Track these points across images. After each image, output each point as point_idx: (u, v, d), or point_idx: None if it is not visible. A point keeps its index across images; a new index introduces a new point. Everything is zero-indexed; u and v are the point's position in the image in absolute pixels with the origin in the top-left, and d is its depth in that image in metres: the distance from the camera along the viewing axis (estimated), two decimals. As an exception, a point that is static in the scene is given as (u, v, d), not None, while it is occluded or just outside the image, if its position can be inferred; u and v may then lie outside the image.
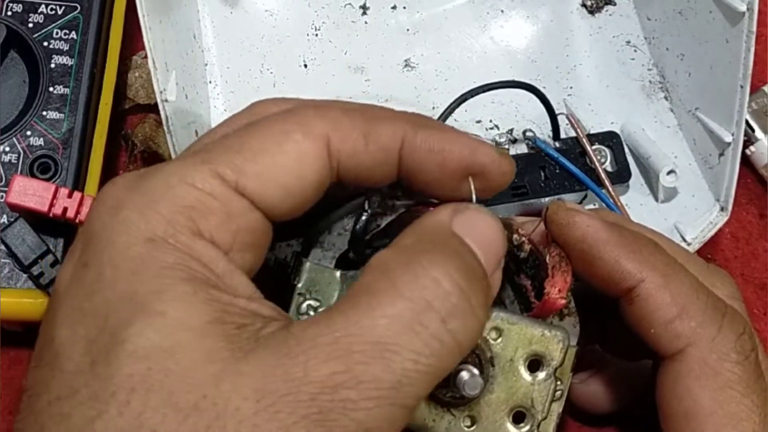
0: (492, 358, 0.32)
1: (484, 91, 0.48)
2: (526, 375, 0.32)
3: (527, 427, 0.32)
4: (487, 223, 0.29)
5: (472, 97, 0.48)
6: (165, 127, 0.44)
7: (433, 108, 0.57)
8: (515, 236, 0.34)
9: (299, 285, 0.32)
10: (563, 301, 0.32)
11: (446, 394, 0.31)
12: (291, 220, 0.30)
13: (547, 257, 0.33)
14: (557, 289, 0.32)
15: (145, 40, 0.44)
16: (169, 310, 0.25)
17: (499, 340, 0.32)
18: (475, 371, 0.30)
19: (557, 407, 0.33)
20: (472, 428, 0.32)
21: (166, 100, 0.44)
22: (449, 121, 0.49)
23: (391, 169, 0.30)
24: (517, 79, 0.57)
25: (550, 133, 0.54)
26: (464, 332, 0.25)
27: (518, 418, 0.32)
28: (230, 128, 0.30)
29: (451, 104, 0.48)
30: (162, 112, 0.44)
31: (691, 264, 0.33)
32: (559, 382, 0.33)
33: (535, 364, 0.32)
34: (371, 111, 0.31)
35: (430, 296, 0.25)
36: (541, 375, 0.32)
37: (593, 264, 0.32)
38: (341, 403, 0.23)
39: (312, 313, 0.32)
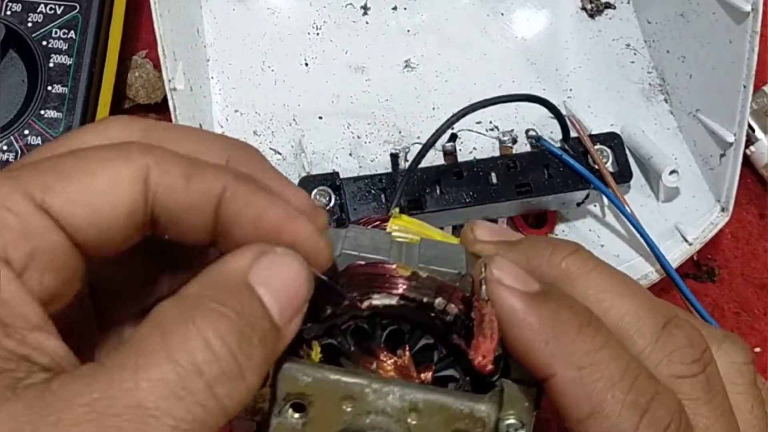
0: None
1: (493, 104, 0.48)
2: None
3: None
4: (289, 269, 0.27)
5: (482, 108, 0.48)
6: (172, 117, 0.43)
7: (433, 108, 0.57)
8: (438, 300, 0.32)
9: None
10: (490, 367, 0.29)
11: None
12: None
13: (473, 313, 0.30)
14: (480, 355, 0.29)
15: (155, 26, 0.43)
16: None
17: (417, 421, 0.29)
18: None
19: None
20: None
21: (175, 89, 0.44)
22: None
23: (207, 219, 0.28)
24: (517, 81, 0.58)
25: (551, 134, 0.55)
26: (231, 397, 0.24)
27: None
28: (49, 153, 0.30)
29: (459, 112, 0.47)
30: (170, 102, 0.44)
31: (644, 330, 0.30)
32: (519, 424, 0.31)
33: None
34: (198, 154, 0.30)
35: (198, 359, 0.24)
36: None
37: (509, 344, 0.29)
38: None
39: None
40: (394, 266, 0.32)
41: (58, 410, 0.23)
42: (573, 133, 0.54)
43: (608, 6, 0.59)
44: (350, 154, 0.55)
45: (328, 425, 0.29)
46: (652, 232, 0.50)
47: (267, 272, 0.27)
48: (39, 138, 0.49)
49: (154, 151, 0.28)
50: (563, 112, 0.56)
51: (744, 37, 0.47)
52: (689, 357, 0.30)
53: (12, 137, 0.49)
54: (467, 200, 0.50)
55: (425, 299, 0.31)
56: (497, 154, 0.53)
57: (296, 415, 0.29)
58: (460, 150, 0.54)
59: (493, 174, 0.50)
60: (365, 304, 0.31)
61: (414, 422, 0.29)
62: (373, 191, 0.49)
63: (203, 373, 0.24)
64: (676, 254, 0.51)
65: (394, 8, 0.59)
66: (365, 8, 0.59)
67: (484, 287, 0.29)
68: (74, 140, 0.30)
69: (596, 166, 0.51)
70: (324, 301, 0.31)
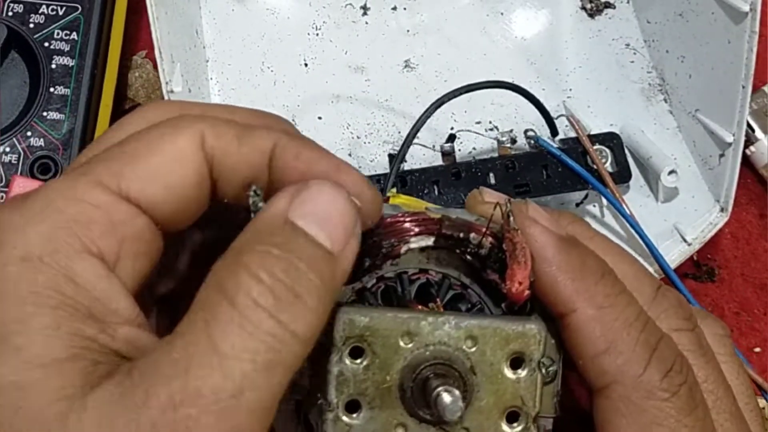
0: (472, 367, 0.31)
1: (462, 93, 0.48)
2: (510, 374, 0.31)
3: (522, 425, 0.32)
4: (327, 196, 0.28)
5: (449, 99, 0.48)
6: (170, 119, 0.43)
7: (433, 109, 0.57)
8: (472, 235, 0.33)
9: None
10: (527, 292, 0.31)
11: (432, 414, 0.31)
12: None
13: (504, 245, 0.32)
14: (517, 282, 0.31)
15: (152, 29, 0.43)
16: (26, 345, 0.24)
17: (475, 347, 0.31)
18: (456, 393, 0.29)
19: (552, 387, 0.33)
20: None
21: (172, 91, 0.44)
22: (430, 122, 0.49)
23: (261, 175, 0.29)
24: (516, 80, 0.58)
25: (550, 134, 0.55)
26: (296, 320, 0.25)
27: (512, 417, 0.32)
28: (109, 141, 0.30)
29: (430, 107, 0.48)
30: (168, 104, 0.44)
31: (643, 289, 0.33)
32: (550, 361, 0.32)
33: (517, 361, 0.31)
34: (247, 116, 0.31)
35: (253, 294, 0.25)
36: (525, 371, 0.31)
37: (536, 279, 0.31)
38: (183, 422, 0.23)
39: None
40: (424, 212, 0.33)
41: (145, 377, 0.24)
42: (571, 133, 0.54)
43: (608, 6, 0.59)
44: (349, 155, 0.55)
45: (390, 364, 0.30)
46: (651, 232, 0.50)
47: (306, 205, 0.27)
48: (41, 140, 0.50)
49: (204, 119, 0.29)
50: (563, 112, 0.56)
51: (743, 38, 0.47)
52: (682, 314, 0.33)
53: (14, 139, 0.50)
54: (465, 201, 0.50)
55: (461, 234, 0.32)
56: (496, 154, 0.53)
57: (357, 360, 0.30)
58: (459, 150, 0.54)
59: (491, 174, 0.50)
60: (403, 248, 0.32)
61: (472, 349, 0.31)
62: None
63: (261, 305, 0.25)
64: (675, 254, 0.51)
65: (394, 8, 0.59)
66: (365, 8, 0.59)
67: (512, 219, 0.31)
68: (122, 130, 0.31)
69: (595, 167, 0.51)
70: (361, 254, 0.32)
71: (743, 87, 0.48)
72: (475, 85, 0.49)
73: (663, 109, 0.56)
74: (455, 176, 0.50)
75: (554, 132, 0.52)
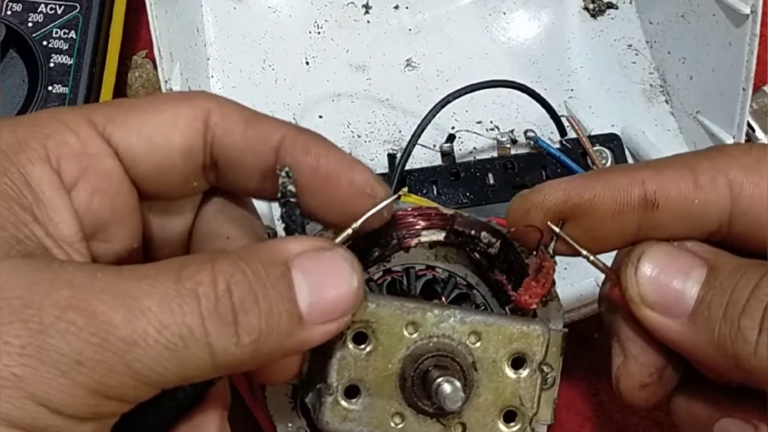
0: (474, 363, 0.31)
1: (467, 92, 0.49)
2: (510, 374, 0.32)
3: (519, 425, 0.32)
4: (341, 274, 0.27)
5: (455, 98, 0.48)
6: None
7: (434, 108, 0.57)
8: (484, 234, 0.34)
9: None
10: (534, 306, 0.32)
11: (431, 406, 0.31)
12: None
13: (534, 259, 0.33)
14: (528, 295, 0.32)
15: (151, 28, 0.44)
16: None
17: (478, 343, 0.31)
18: (457, 384, 0.30)
19: (551, 394, 0.33)
20: None
21: (171, 90, 0.44)
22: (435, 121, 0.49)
23: (265, 166, 0.30)
24: (518, 80, 0.58)
25: (551, 135, 0.55)
26: (218, 342, 0.25)
27: (509, 417, 0.32)
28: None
29: (435, 106, 0.48)
30: (166, 103, 0.44)
31: None
32: (549, 368, 0.33)
33: (518, 361, 0.32)
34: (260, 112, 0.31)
35: (200, 290, 0.25)
36: (526, 372, 0.32)
37: (596, 204, 0.30)
38: (59, 326, 0.23)
39: None
40: (437, 208, 0.34)
41: (58, 275, 0.25)
42: (572, 134, 0.54)
43: (610, 6, 0.59)
44: (350, 153, 0.55)
45: (392, 352, 0.31)
46: (650, 233, 0.50)
47: (314, 263, 0.27)
48: (41, 136, 0.50)
49: (218, 98, 0.30)
50: (564, 113, 0.56)
51: (743, 40, 0.47)
52: None
53: (14, 136, 0.50)
54: (464, 201, 0.50)
55: (472, 231, 0.33)
56: (495, 154, 0.53)
57: (360, 346, 0.31)
58: (459, 150, 0.54)
59: (490, 175, 0.50)
60: (414, 241, 0.33)
61: (475, 345, 0.31)
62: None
63: (200, 302, 0.25)
64: (674, 256, 0.51)
65: (396, 7, 0.59)
66: (367, 7, 0.59)
67: (553, 243, 0.31)
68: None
69: (594, 168, 0.51)
70: (371, 244, 0.32)
71: (744, 89, 0.48)
72: (480, 84, 0.49)
73: (664, 110, 0.56)
74: (454, 176, 0.50)
75: (562, 132, 0.52)
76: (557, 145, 0.52)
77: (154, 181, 0.30)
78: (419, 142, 0.54)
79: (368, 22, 0.58)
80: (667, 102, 0.56)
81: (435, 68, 0.58)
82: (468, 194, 0.50)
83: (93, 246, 0.29)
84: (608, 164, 0.52)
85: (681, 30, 0.54)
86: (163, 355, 0.24)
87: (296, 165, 0.29)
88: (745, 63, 0.47)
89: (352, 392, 0.31)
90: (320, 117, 0.56)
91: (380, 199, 0.30)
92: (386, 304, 0.31)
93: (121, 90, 0.55)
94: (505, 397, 0.32)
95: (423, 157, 0.54)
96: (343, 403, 0.31)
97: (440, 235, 0.34)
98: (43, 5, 0.52)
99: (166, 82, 0.44)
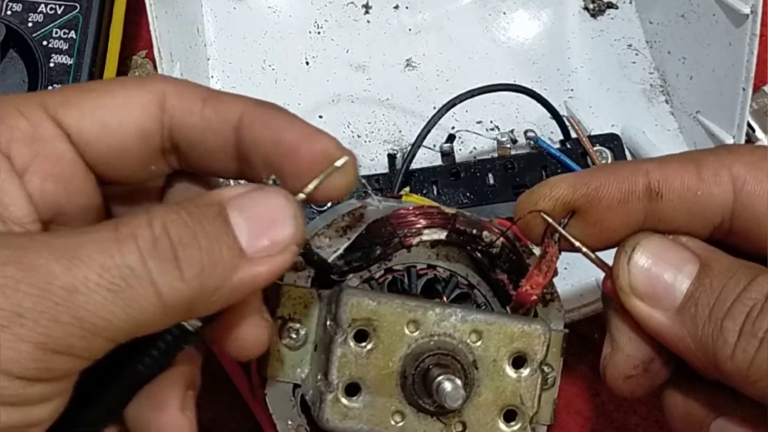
0: (474, 361, 0.31)
1: (476, 95, 0.49)
2: (511, 373, 0.32)
3: (519, 425, 0.32)
4: (275, 203, 0.27)
5: (462, 100, 0.49)
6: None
7: (434, 108, 0.56)
8: (485, 233, 0.34)
9: (278, 309, 0.32)
10: (534, 298, 0.32)
11: (432, 404, 0.31)
12: None
13: (538, 250, 0.33)
14: (530, 284, 0.32)
15: (151, 28, 0.44)
16: None
17: (479, 342, 0.31)
18: (458, 382, 0.30)
19: (551, 394, 0.33)
20: None
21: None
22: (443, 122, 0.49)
23: (227, 145, 0.29)
24: (518, 80, 0.58)
25: (551, 135, 0.55)
26: (162, 278, 0.25)
27: (509, 416, 0.32)
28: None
29: (445, 104, 0.48)
30: (166, 103, 0.44)
31: None
32: (550, 369, 0.33)
33: (519, 360, 0.32)
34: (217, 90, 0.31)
35: (137, 232, 0.25)
36: (526, 371, 0.32)
37: (610, 188, 0.31)
38: (2, 279, 0.23)
39: (294, 336, 0.32)
40: (438, 207, 0.34)
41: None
42: (572, 134, 0.54)
43: (610, 6, 0.59)
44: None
45: (393, 350, 0.31)
46: (650, 233, 0.50)
47: (245, 200, 0.27)
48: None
49: (174, 80, 0.30)
50: (564, 113, 0.56)
51: (743, 40, 0.47)
52: None
53: (14, 136, 0.50)
54: (464, 201, 0.50)
55: (474, 231, 0.33)
56: (496, 154, 0.53)
57: (361, 344, 0.31)
58: (460, 150, 0.54)
59: (490, 175, 0.50)
60: (416, 240, 0.33)
61: (476, 343, 0.31)
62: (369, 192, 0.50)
63: (138, 243, 0.25)
64: (674, 256, 0.51)
65: (396, 7, 0.59)
66: (367, 7, 0.59)
67: (557, 235, 0.31)
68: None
69: (593, 165, 0.51)
70: (372, 242, 0.32)
71: (743, 89, 0.48)
72: (489, 87, 0.49)
73: (664, 110, 0.56)
74: (454, 176, 0.50)
75: (567, 136, 0.52)
76: (557, 145, 0.52)
77: (111, 165, 0.30)
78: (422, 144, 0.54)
79: (368, 22, 0.58)
80: (667, 102, 0.56)
81: (435, 68, 0.58)
82: (468, 194, 0.50)
83: (52, 230, 0.29)
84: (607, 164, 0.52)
85: (681, 30, 0.54)
86: (106, 298, 0.24)
87: (258, 140, 0.29)
88: (745, 63, 0.47)
89: (352, 390, 0.31)
90: (320, 117, 0.56)
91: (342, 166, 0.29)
92: (387, 302, 0.31)
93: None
94: (506, 397, 0.32)
95: (423, 158, 0.54)
96: (344, 400, 0.31)
97: (442, 234, 0.34)
98: (43, 5, 0.52)
99: (166, 82, 0.44)
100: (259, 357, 0.31)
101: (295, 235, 0.27)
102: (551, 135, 0.55)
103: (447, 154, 0.53)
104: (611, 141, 0.53)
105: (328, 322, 0.31)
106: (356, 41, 0.58)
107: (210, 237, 0.26)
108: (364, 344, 0.31)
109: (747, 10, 0.46)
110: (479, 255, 0.34)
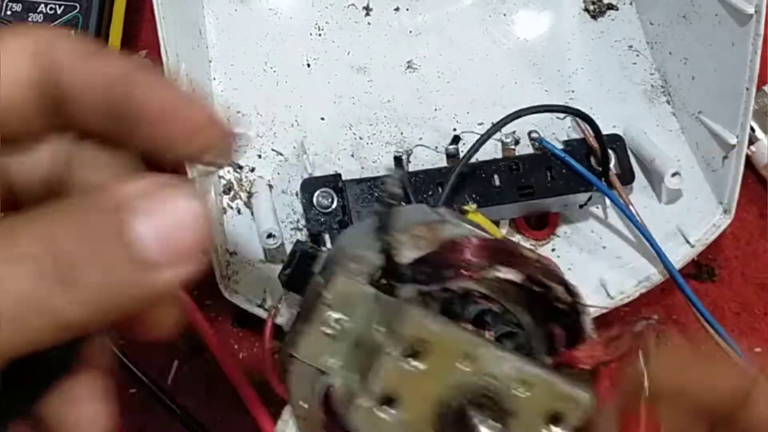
0: (515, 411, 0.30)
1: (540, 112, 0.50)
2: (545, 430, 0.31)
3: None
4: (182, 205, 0.25)
5: (525, 115, 0.49)
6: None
7: (435, 110, 0.57)
8: (561, 290, 0.33)
9: (328, 295, 0.32)
10: (584, 367, 0.32)
11: None
12: None
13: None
14: (589, 355, 0.32)
15: (158, 27, 0.43)
16: None
17: (526, 393, 0.31)
18: (497, 427, 0.29)
19: None
20: None
21: (179, 93, 0.43)
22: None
23: (108, 103, 0.27)
24: (518, 81, 0.58)
25: (553, 135, 0.55)
26: (53, 305, 0.23)
27: None
28: None
29: (504, 119, 0.49)
30: (174, 104, 0.43)
31: None
32: None
33: (555, 419, 0.31)
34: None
35: (30, 250, 0.23)
36: (560, 431, 0.31)
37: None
38: None
39: (338, 327, 0.32)
40: (517, 246, 0.33)
41: None
42: (573, 135, 0.54)
43: (611, 7, 0.59)
44: (352, 156, 0.55)
45: (440, 378, 0.30)
46: (654, 234, 0.50)
47: (149, 203, 0.25)
48: (40, 139, 0.49)
49: (53, 30, 0.28)
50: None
51: (747, 40, 0.47)
52: None
53: (13, 139, 0.49)
54: (470, 202, 0.50)
55: (552, 284, 0.32)
56: (500, 156, 0.53)
57: (410, 361, 0.30)
58: (462, 152, 0.54)
59: (495, 176, 0.50)
60: (490, 273, 0.32)
61: (521, 394, 0.30)
62: (376, 193, 0.49)
63: (31, 267, 0.23)
64: (678, 256, 0.51)
65: (397, 9, 0.59)
66: (367, 9, 0.58)
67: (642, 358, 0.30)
68: None
69: (599, 168, 0.51)
70: (444, 262, 0.32)
71: (747, 89, 0.48)
72: (548, 106, 0.51)
73: (666, 110, 0.56)
74: (459, 178, 0.50)
75: (605, 169, 0.51)
76: (561, 146, 0.52)
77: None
78: (423, 144, 0.54)
79: (369, 24, 0.58)
80: (668, 103, 0.57)
81: (436, 70, 0.58)
82: (474, 195, 0.50)
83: None
84: (611, 165, 0.52)
85: (683, 31, 0.54)
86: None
87: (137, 102, 0.27)
88: (749, 63, 0.48)
89: (388, 402, 0.31)
90: (322, 119, 0.56)
91: (220, 135, 0.28)
92: (449, 329, 0.30)
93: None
94: None
95: (427, 159, 0.54)
96: (377, 411, 0.30)
97: (518, 277, 0.32)
98: (42, 5, 0.51)
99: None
100: (288, 337, 0.31)
101: (202, 243, 0.25)
102: (553, 136, 0.55)
103: (452, 156, 0.53)
104: (614, 142, 0.53)
105: (379, 328, 0.31)
106: (357, 43, 0.58)
107: (108, 253, 0.24)
108: (414, 363, 0.30)
109: (751, 9, 0.46)
110: (542, 302, 0.33)
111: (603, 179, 0.51)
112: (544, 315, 0.33)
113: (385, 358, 0.30)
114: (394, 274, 0.32)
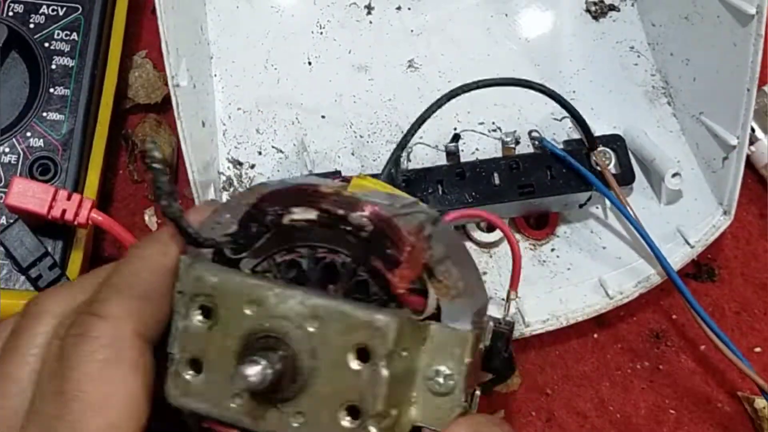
0: (314, 349, 0.28)
1: (476, 88, 0.48)
2: (354, 366, 0.28)
3: (359, 422, 0.28)
4: None
5: (463, 93, 0.48)
6: (175, 114, 0.43)
7: (436, 109, 0.57)
8: (355, 214, 0.30)
9: (177, 284, 0.31)
10: (401, 291, 0.29)
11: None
12: None
13: (406, 245, 0.30)
14: (398, 276, 0.29)
15: (159, 22, 0.43)
16: None
17: (319, 329, 0.28)
18: (263, 363, 0.27)
19: (450, 401, 0.29)
20: (300, 424, 0.29)
21: (178, 85, 0.44)
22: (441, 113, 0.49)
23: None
24: (519, 81, 0.58)
25: (554, 135, 0.55)
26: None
27: (354, 412, 0.28)
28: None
29: (441, 98, 0.48)
30: (173, 99, 0.44)
31: None
32: (449, 372, 0.29)
33: (364, 353, 0.28)
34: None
35: None
36: (368, 366, 0.28)
37: None
38: None
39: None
40: (317, 185, 0.31)
41: None
42: (574, 135, 0.54)
43: (612, 8, 0.59)
44: (353, 154, 0.55)
45: (231, 330, 0.29)
46: (653, 234, 0.50)
47: None
48: (41, 140, 0.49)
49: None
50: (566, 114, 0.56)
51: (748, 41, 0.47)
52: None
53: (14, 139, 0.49)
54: (469, 201, 0.50)
55: (341, 211, 0.30)
56: (500, 155, 0.53)
57: (203, 320, 0.29)
58: (462, 150, 0.54)
59: (495, 175, 0.50)
60: (286, 218, 0.30)
61: (313, 329, 0.28)
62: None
63: None
64: (677, 257, 0.51)
65: (398, 8, 0.59)
66: (369, 8, 0.59)
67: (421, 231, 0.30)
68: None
69: (599, 168, 0.51)
70: (249, 221, 0.31)
71: (748, 90, 0.48)
72: (496, 80, 0.49)
73: (666, 111, 0.56)
74: (459, 176, 0.50)
75: (589, 135, 0.51)
76: (561, 146, 0.52)
77: None
78: (424, 141, 0.54)
79: (370, 22, 0.58)
80: (669, 104, 0.57)
81: (437, 69, 0.58)
82: (473, 194, 0.50)
83: None
84: (611, 165, 0.52)
85: (684, 31, 0.54)
86: None
87: None
88: (750, 63, 0.48)
89: (195, 366, 0.29)
90: (323, 117, 0.56)
91: None
92: (227, 279, 0.29)
93: (121, 90, 0.55)
94: (345, 391, 0.28)
95: (427, 157, 0.54)
96: (186, 375, 0.29)
97: (311, 214, 0.30)
98: (45, 6, 0.51)
99: (173, 77, 0.44)
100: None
101: None
102: (554, 136, 0.55)
103: (452, 154, 0.53)
104: (614, 142, 0.53)
105: (175, 293, 0.30)
106: (358, 42, 0.58)
107: None
108: (206, 320, 0.29)
109: (753, 10, 0.46)
110: (353, 239, 0.30)
111: (587, 149, 0.51)
112: (364, 251, 0.30)
113: (177, 321, 0.29)
114: (204, 246, 0.31)
